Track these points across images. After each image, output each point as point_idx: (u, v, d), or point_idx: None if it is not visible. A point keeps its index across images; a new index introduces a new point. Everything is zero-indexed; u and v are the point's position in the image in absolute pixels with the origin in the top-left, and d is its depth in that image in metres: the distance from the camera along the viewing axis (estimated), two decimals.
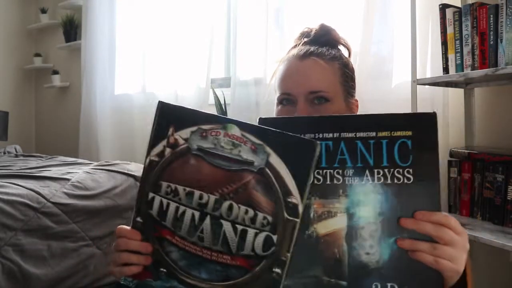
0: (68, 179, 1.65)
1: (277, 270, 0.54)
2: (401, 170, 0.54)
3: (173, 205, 0.59)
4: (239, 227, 0.55)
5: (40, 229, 1.46)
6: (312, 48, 0.86)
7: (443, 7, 1.39)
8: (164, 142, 0.60)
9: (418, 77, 1.44)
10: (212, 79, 2.35)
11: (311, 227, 0.55)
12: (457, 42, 1.36)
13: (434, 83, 1.48)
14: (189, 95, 2.38)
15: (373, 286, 0.54)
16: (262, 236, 0.55)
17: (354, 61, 1.74)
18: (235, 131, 0.56)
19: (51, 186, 1.58)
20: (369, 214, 0.54)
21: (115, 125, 2.79)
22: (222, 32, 2.48)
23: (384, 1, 1.71)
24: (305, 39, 0.91)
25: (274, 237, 0.54)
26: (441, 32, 1.41)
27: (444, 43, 1.40)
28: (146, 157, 0.61)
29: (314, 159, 0.53)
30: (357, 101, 0.91)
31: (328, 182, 0.55)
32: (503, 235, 1.19)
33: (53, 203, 1.51)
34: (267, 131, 0.55)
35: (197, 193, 0.57)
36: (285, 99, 0.84)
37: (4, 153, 2.62)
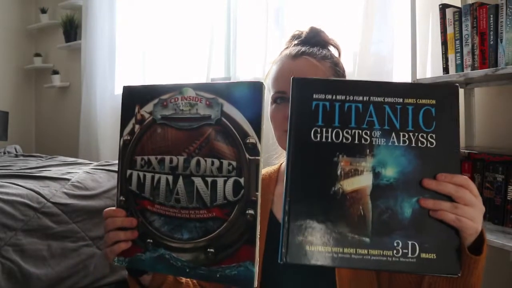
0: (68, 179, 1.65)
1: (250, 211, 0.57)
2: (425, 135, 0.57)
3: (148, 176, 0.63)
4: (209, 179, 0.59)
5: (40, 229, 1.46)
6: (303, 48, 0.89)
7: (443, 7, 1.39)
8: (133, 121, 0.64)
9: (418, 77, 1.44)
10: (212, 79, 2.35)
11: (337, 183, 0.56)
12: (457, 42, 1.36)
13: (434, 83, 1.48)
14: None
15: (395, 244, 0.55)
16: (230, 181, 0.58)
17: (354, 61, 1.76)
18: (190, 92, 0.61)
19: (51, 186, 1.58)
20: (394, 174, 0.56)
21: (115, 125, 2.78)
22: (222, 32, 2.48)
23: (384, 1, 1.71)
24: (296, 41, 0.94)
25: (241, 180, 0.57)
26: (441, 32, 1.40)
27: (444, 43, 1.40)
28: (120, 139, 0.65)
29: (263, 97, 0.57)
30: None
31: (356, 142, 0.57)
32: (503, 235, 1.19)
33: (53, 203, 1.51)
34: (216, 85, 0.60)
35: (167, 158, 0.61)
36: (279, 98, 0.87)
37: (4, 153, 2.62)
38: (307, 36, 0.94)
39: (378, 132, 0.57)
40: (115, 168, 1.84)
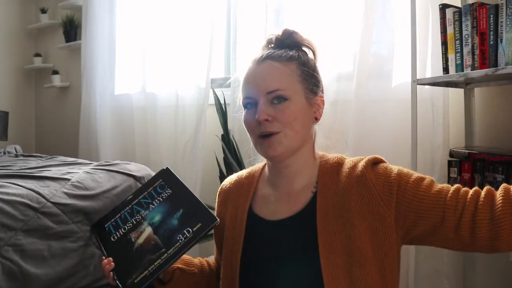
0: (68, 179, 1.65)
1: None
2: (161, 197, 1.09)
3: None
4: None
5: (40, 229, 1.45)
6: (268, 52, 0.93)
7: (443, 7, 1.39)
8: None
9: (418, 77, 1.44)
10: (212, 79, 2.35)
11: (135, 243, 1.01)
12: (457, 42, 1.36)
13: (434, 83, 1.48)
14: (189, 95, 2.38)
15: (178, 238, 0.95)
16: None
17: (354, 61, 1.76)
18: None
19: (51, 186, 1.58)
20: (159, 218, 1.03)
21: (115, 125, 2.78)
22: (222, 32, 2.48)
23: (384, 1, 1.71)
24: (270, 45, 0.97)
25: None
26: (441, 32, 1.41)
27: (444, 43, 1.40)
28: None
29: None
30: (322, 97, 0.95)
31: (134, 223, 1.07)
32: None
33: (53, 203, 1.51)
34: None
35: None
36: (248, 103, 0.91)
37: (4, 153, 2.62)
38: (280, 39, 0.97)
39: (143, 212, 1.07)
40: (116, 168, 1.85)
